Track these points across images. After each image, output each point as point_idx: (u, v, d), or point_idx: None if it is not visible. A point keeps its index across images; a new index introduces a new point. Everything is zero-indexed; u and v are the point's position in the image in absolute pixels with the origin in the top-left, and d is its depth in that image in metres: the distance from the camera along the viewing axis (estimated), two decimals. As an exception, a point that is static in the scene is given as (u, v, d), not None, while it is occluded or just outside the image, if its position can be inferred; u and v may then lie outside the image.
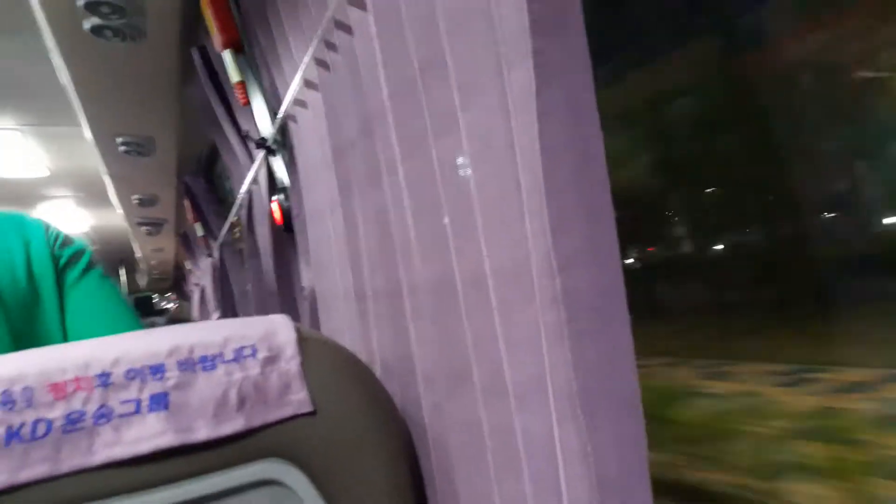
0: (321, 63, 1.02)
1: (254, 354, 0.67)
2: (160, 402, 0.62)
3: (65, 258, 0.87)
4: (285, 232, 1.55)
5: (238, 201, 2.11)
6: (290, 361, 0.68)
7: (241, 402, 0.65)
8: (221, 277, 3.18)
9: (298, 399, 0.67)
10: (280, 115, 1.33)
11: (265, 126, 1.51)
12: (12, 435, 0.55)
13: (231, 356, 0.66)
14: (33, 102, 2.40)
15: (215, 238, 3.20)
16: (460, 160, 0.65)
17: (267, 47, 1.34)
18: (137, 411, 0.61)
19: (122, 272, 7.11)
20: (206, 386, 0.64)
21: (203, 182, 3.19)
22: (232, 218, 2.60)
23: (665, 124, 7.02)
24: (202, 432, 0.63)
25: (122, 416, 0.60)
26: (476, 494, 0.71)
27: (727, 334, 5.87)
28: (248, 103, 1.49)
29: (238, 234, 2.73)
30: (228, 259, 3.03)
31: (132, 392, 0.61)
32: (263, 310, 2.09)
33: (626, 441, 0.51)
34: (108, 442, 0.59)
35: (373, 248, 0.93)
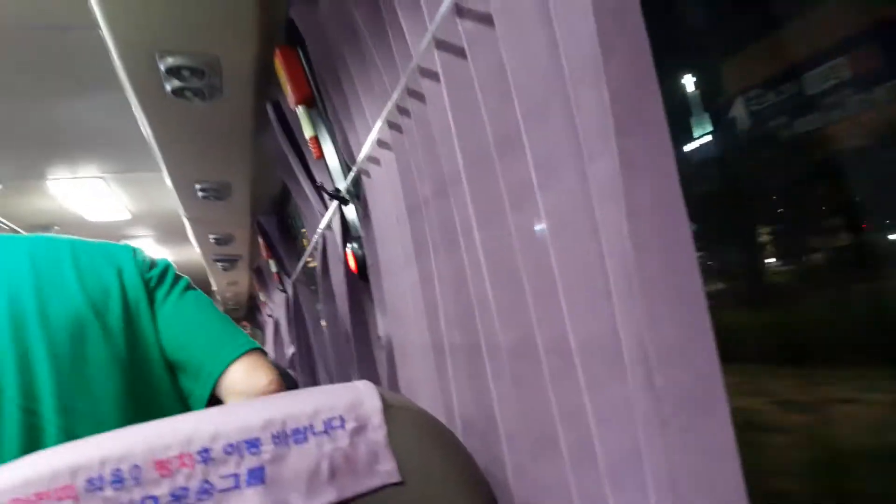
0: (394, 126, 1.05)
1: (342, 425, 0.69)
2: (257, 476, 0.64)
3: (154, 280, 0.91)
4: (360, 280, 1.58)
5: (312, 244, 2.17)
6: (377, 431, 0.70)
7: (332, 473, 0.67)
8: (296, 313, 3.26)
9: (387, 470, 0.69)
10: (353, 169, 1.37)
11: (338, 177, 1.55)
12: None
13: (321, 428, 0.68)
14: (117, 152, 2.55)
15: (289, 275, 3.29)
16: (538, 230, 0.66)
17: (339, 104, 1.38)
18: (237, 486, 0.63)
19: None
20: (299, 459, 0.66)
21: (276, 221, 3.29)
22: (306, 257, 2.67)
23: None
24: None
25: (222, 491, 0.63)
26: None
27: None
28: (321, 156, 1.54)
29: (312, 273, 2.80)
30: (303, 296, 3.11)
31: (230, 467, 0.63)
32: (339, 355, 2.14)
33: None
34: None
35: (450, 305, 0.95)
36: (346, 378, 2.02)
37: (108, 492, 0.59)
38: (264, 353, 0.92)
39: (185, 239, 3.77)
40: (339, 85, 1.33)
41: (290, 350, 3.58)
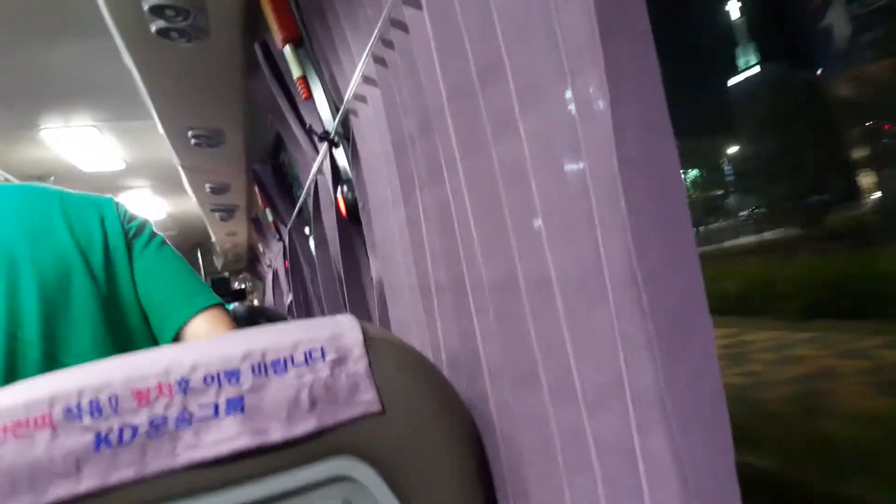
0: (379, 60, 1.03)
1: (323, 357, 0.69)
2: (236, 405, 0.64)
3: (133, 230, 1.00)
4: (351, 223, 1.57)
5: (304, 189, 2.15)
6: (358, 362, 0.70)
7: (313, 403, 0.67)
8: (292, 261, 3.27)
9: (367, 399, 0.69)
10: (341, 109, 1.35)
11: (327, 119, 1.53)
12: (101, 440, 0.59)
13: (301, 359, 0.68)
14: (108, 100, 2.52)
15: (285, 224, 3.29)
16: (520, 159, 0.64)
17: (325, 42, 1.35)
18: (215, 415, 0.64)
19: (199, 255, 7.40)
20: (279, 389, 0.66)
21: (270, 170, 3.27)
22: (300, 204, 2.66)
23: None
24: (277, 433, 0.65)
25: (201, 419, 0.63)
26: (546, 491, 0.71)
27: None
28: (310, 97, 1.51)
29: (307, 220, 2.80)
30: (298, 243, 3.11)
31: (210, 396, 0.64)
32: (332, 298, 2.14)
33: (716, 449, 0.51)
34: (189, 445, 0.62)
35: (435, 243, 0.94)
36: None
37: (87, 420, 0.60)
38: (227, 310, 1.01)
39: (182, 189, 3.75)
40: (325, 22, 1.30)
41: (288, 298, 3.60)
